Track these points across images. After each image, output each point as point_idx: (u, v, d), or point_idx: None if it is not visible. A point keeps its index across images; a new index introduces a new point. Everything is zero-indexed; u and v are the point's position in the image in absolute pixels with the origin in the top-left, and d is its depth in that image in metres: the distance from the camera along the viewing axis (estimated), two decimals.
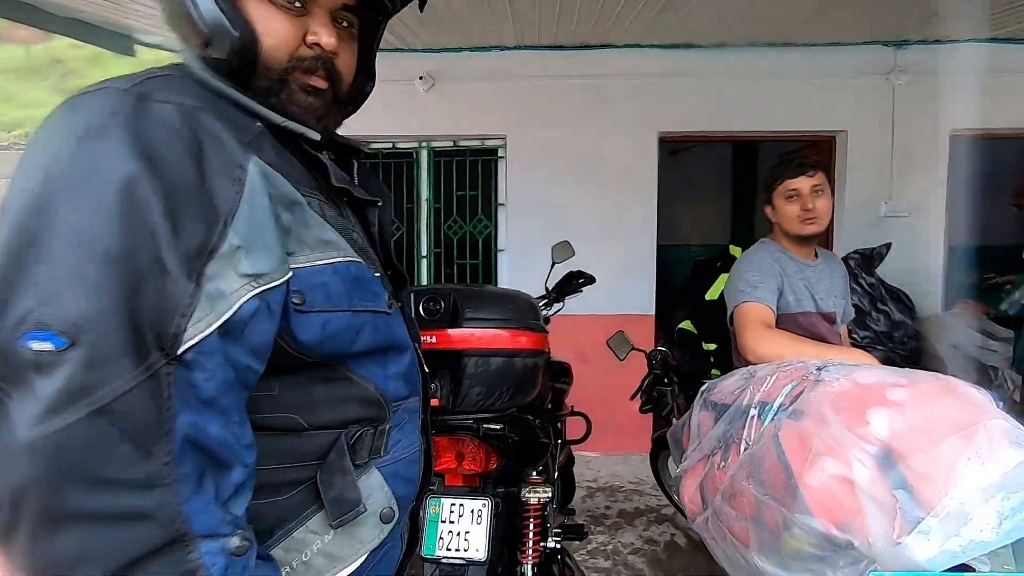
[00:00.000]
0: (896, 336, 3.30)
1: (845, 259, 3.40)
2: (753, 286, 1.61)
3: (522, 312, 1.29)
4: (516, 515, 1.48)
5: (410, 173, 4.08)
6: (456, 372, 1.21)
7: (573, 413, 2.64)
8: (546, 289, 2.63)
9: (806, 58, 3.83)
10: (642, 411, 2.29)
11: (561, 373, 2.49)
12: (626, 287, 3.91)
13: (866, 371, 1.00)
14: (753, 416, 1.06)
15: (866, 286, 3.30)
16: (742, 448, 1.06)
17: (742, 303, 1.59)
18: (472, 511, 1.35)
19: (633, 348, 2.28)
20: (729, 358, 1.94)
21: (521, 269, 3.91)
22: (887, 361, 3.45)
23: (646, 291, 3.94)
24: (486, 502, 1.37)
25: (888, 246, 3.36)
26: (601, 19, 3.39)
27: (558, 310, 2.63)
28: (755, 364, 1.43)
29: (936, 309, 3.89)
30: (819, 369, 1.04)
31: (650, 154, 3.91)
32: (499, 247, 4.07)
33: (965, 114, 3.86)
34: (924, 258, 3.93)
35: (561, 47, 3.83)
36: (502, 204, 4.03)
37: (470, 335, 1.20)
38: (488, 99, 3.91)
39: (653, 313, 3.98)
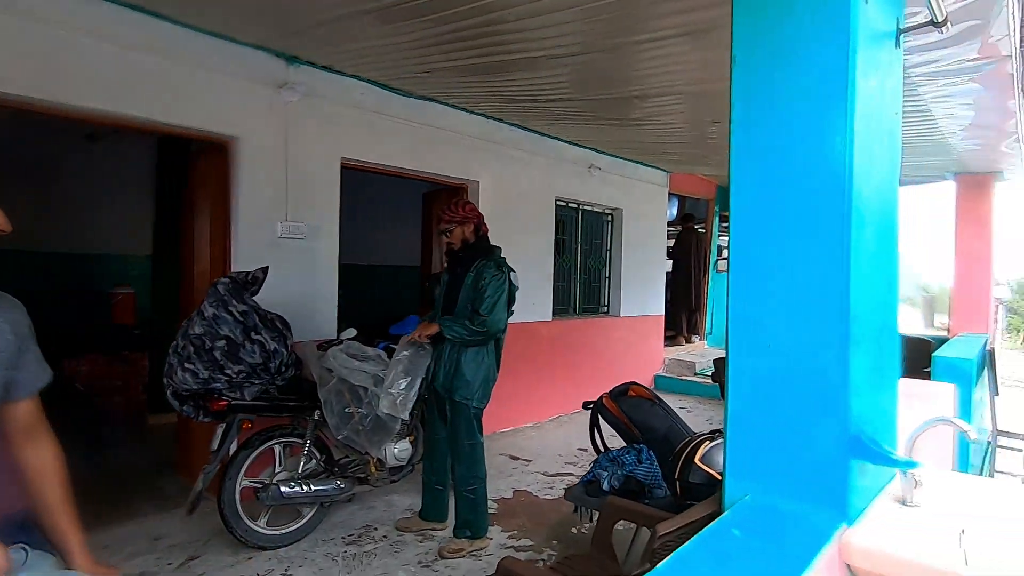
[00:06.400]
0: (272, 366, 3.05)
1: (215, 284, 2.95)
2: None
3: None
4: None
5: None
6: None
7: None
8: None
9: (194, 43, 3.25)
10: None
11: None
12: None
13: None
14: None
15: (237, 315, 2.92)
16: None
17: None
18: None
19: None
20: None
21: None
22: (265, 395, 3.18)
23: None
24: None
25: (265, 270, 3.09)
26: None
27: None
28: None
29: (333, 330, 3.95)
30: None
31: None
32: None
33: (355, 146, 4.08)
34: (320, 281, 3.94)
35: None
36: None
37: None
38: None
39: None
